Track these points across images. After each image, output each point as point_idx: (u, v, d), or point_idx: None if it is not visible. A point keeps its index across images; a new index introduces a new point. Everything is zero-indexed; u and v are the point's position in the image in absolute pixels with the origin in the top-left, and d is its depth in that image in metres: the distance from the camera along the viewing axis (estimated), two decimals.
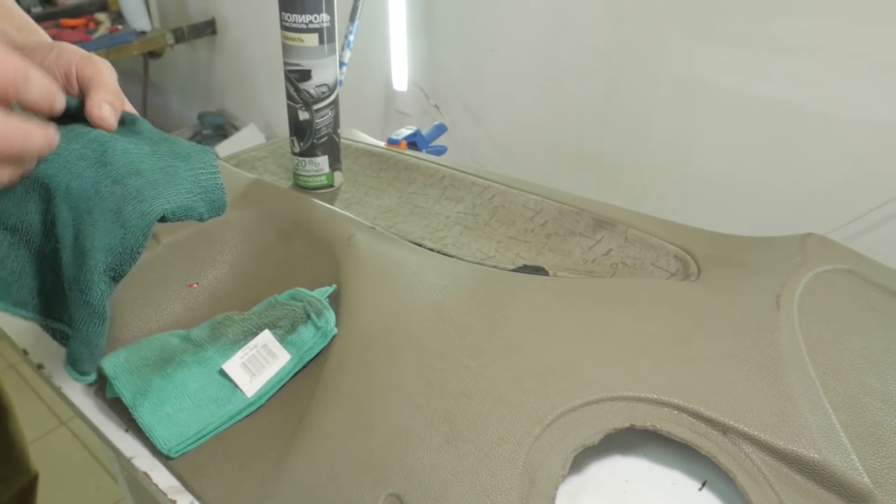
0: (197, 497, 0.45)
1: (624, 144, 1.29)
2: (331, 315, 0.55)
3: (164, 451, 0.47)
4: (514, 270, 0.64)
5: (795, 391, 0.45)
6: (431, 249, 0.69)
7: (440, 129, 0.98)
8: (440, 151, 0.98)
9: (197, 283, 0.61)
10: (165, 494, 0.46)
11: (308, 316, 0.55)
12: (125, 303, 0.58)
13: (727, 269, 0.59)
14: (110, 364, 0.52)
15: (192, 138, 2.22)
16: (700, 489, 0.46)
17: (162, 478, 0.47)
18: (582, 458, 0.47)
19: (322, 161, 0.79)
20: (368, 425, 0.46)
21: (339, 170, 0.82)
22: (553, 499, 0.41)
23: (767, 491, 0.42)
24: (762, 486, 0.42)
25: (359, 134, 0.94)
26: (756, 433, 0.43)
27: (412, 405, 0.47)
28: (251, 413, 0.50)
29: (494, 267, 0.65)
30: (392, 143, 0.90)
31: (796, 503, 0.41)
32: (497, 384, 0.47)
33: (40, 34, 0.52)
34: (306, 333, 0.54)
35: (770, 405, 0.45)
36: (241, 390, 0.51)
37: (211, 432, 0.48)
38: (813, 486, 0.41)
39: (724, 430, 0.44)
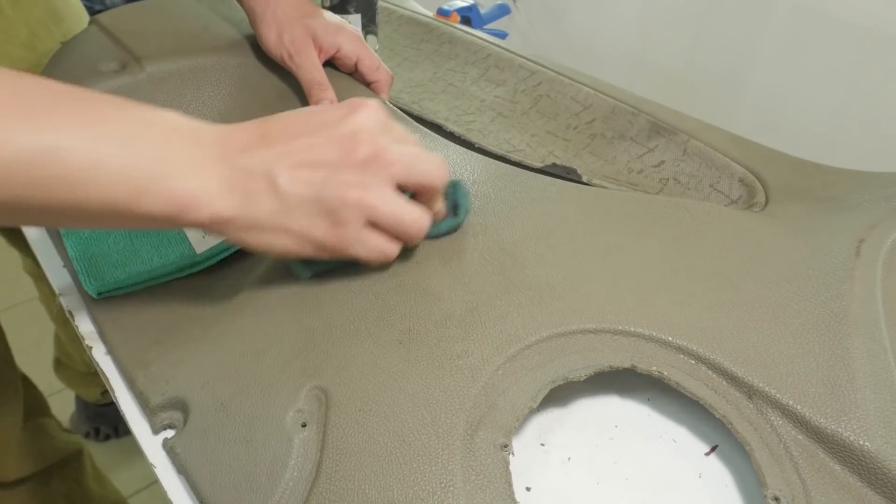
0: (109, 349, 0.39)
1: (716, 67, 1.12)
2: None
3: (87, 289, 0.41)
4: (539, 170, 0.54)
5: (857, 359, 0.34)
6: (452, 133, 0.59)
7: (502, 10, 0.86)
8: (499, 36, 0.86)
9: None
10: (83, 339, 0.41)
11: None
12: None
13: (802, 203, 0.47)
14: None
15: None
16: (707, 454, 0.37)
17: (84, 322, 0.42)
18: (566, 392, 0.39)
19: (354, 20, 0.69)
20: (314, 305, 0.38)
21: (374, 34, 0.71)
22: (510, 432, 0.33)
23: (791, 475, 0.32)
24: (785, 468, 0.33)
25: (408, 1, 0.83)
26: (790, 402, 0.33)
27: (371, 294, 0.39)
28: (194, 273, 0.43)
29: (519, 163, 0.55)
30: (442, 13, 0.78)
31: (827, 498, 0.31)
32: (477, 291, 0.39)
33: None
34: None
35: (818, 371, 0.34)
36: (191, 244, 0.44)
37: (144, 282, 0.42)
38: (854, 480, 0.31)
39: (750, 392, 0.35)
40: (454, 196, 0.43)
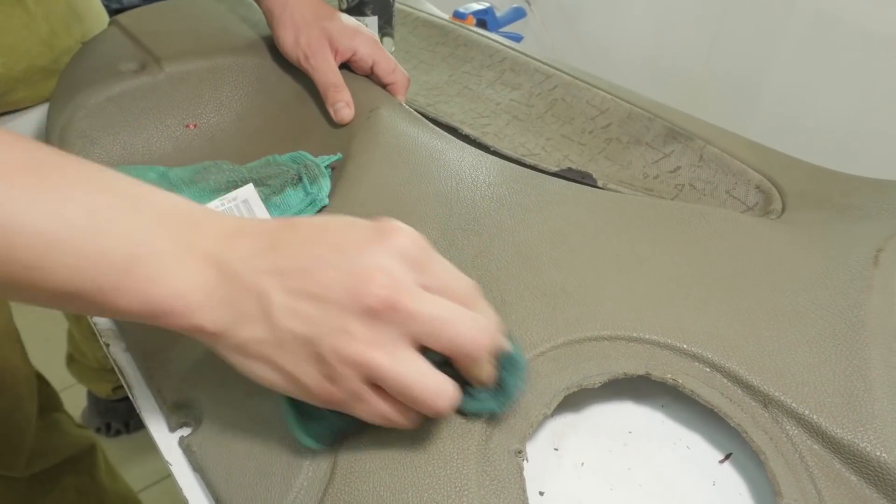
0: (127, 347, 0.40)
1: (732, 72, 1.12)
2: (325, 183, 0.47)
3: None
4: (554, 174, 0.54)
5: (874, 369, 0.34)
6: (467, 136, 0.59)
7: (517, 14, 0.86)
8: (514, 39, 0.86)
9: (196, 126, 0.55)
10: (101, 336, 0.41)
11: (300, 179, 0.47)
12: (110, 126, 0.52)
13: (819, 211, 0.47)
14: None
15: None
16: (721, 461, 0.37)
17: (101, 319, 0.42)
18: (580, 398, 0.39)
19: (371, 22, 0.69)
20: None
21: (391, 36, 0.72)
22: (524, 438, 0.33)
23: (806, 485, 0.32)
24: (800, 478, 0.32)
25: (425, 3, 0.83)
26: (806, 412, 0.33)
27: None
28: None
29: (534, 167, 0.55)
30: (458, 16, 0.79)
31: None
32: (493, 296, 0.39)
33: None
34: (294, 197, 0.47)
35: (834, 381, 0.34)
36: None
37: None
38: (871, 492, 0.31)
39: (766, 401, 0.34)
40: (504, 370, 0.32)
